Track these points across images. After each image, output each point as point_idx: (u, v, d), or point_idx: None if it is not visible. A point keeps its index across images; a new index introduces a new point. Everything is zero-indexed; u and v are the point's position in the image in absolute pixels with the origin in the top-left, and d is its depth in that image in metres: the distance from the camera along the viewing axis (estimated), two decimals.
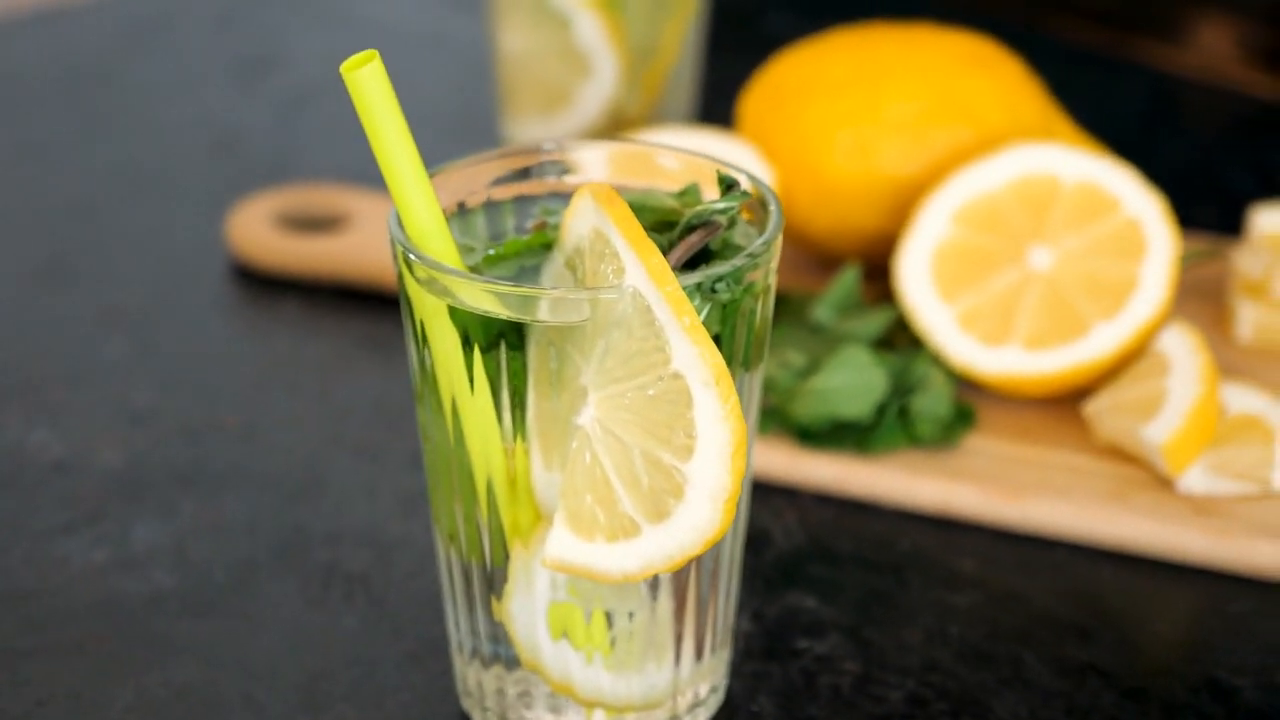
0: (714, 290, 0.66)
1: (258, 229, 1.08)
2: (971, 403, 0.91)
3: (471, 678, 0.74)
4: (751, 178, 0.71)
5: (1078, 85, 1.25)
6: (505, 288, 0.65)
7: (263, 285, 1.07)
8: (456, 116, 1.29)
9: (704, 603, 0.72)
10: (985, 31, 1.05)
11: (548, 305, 0.65)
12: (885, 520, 0.87)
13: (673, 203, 0.71)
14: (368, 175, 1.19)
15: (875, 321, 0.92)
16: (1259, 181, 1.19)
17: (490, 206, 0.74)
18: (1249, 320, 0.96)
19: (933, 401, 0.88)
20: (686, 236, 0.68)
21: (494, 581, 0.71)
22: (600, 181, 0.67)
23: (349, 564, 0.84)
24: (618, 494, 0.65)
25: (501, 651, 0.72)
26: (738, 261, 0.66)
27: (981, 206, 0.93)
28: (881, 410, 0.88)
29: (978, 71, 0.99)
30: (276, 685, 0.77)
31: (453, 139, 1.26)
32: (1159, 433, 0.84)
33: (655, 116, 1.14)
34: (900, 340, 0.94)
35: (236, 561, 0.84)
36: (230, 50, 1.39)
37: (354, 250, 1.06)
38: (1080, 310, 0.90)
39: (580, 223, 0.68)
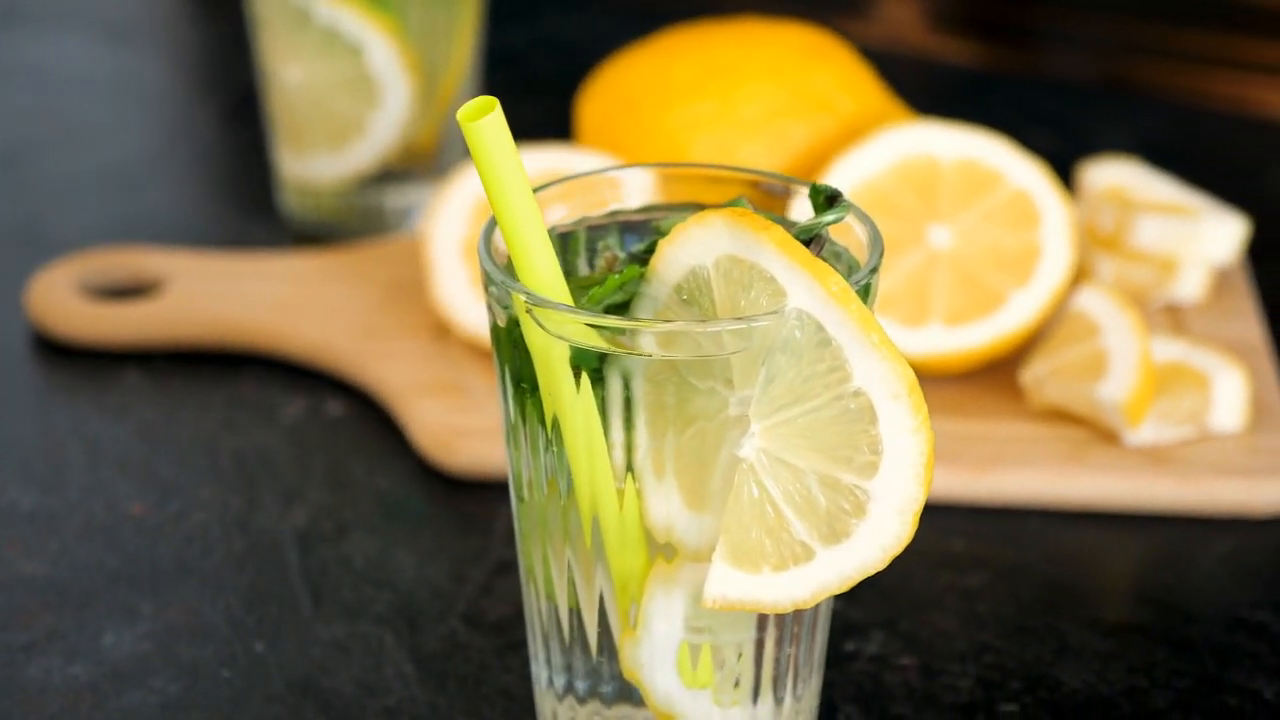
0: None
1: (68, 303, 1.01)
2: None
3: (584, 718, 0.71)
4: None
5: None
6: (662, 325, 0.63)
7: (87, 361, 0.99)
8: (199, 156, 1.23)
9: (819, 620, 0.71)
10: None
11: (715, 340, 0.62)
12: None
13: None
14: (134, 233, 1.12)
15: None
16: None
17: None
18: (1109, 273, 1.00)
19: None
20: None
21: (615, 625, 0.68)
22: (733, 207, 0.65)
23: (369, 637, 0.79)
24: (789, 521, 0.64)
25: (632, 690, 0.69)
26: (863, 276, 0.65)
27: (868, 193, 0.94)
28: None
29: (821, 62, 1.00)
30: None
31: (195, 182, 1.21)
32: (1116, 390, 0.87)
33: (444, 138, 1.11)
34: None
35: (238, 656, 0.78)
36: None
37: (187, 311, 1.00)
38: (991, 282, 0.92)
39: (693, 251, 0.65)
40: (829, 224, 0.67)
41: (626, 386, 0.65)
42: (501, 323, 0.66)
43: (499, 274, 0.65)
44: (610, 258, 0.70)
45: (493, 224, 0.68)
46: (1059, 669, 0.78)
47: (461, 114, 0.62)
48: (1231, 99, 1.31)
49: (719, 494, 0.65)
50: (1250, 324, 0.98)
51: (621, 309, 0.68)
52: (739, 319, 0.62)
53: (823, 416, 0.63)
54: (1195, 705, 0.76)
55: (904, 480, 0.63)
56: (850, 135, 0.98)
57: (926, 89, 1.25)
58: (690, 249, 0.66)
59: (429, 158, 1.11)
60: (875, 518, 0.63)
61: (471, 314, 0.96)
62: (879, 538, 0.64)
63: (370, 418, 0.95)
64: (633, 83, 1.00)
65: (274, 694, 0.76)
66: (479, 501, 0.88)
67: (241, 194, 1.17)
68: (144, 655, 0.79)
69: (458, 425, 0.91)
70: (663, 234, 0.69)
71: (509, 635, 0.80)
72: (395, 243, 1.06)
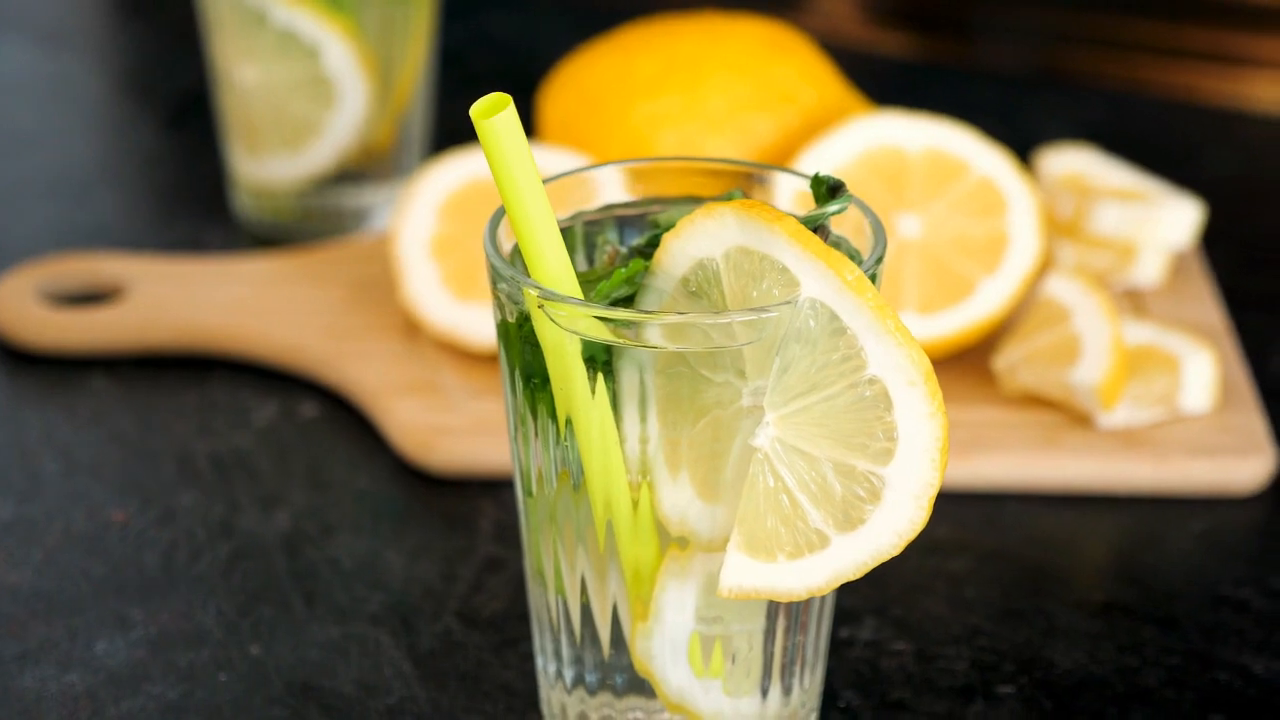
0: None
1: (30, 311, 1.00)
2: None
3: (594, 712, 0.71)
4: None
5: None
6: (676, 318, 0.63)
7: (52, 368, 0.99)
8: (146, 161, 1.22)
9: (825, 608, 0.72)
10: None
11: (726, 331, 0.63)
12: None
13: None
14: (86, 240, 1.11)
15: None
16: None
17: None
18: (1069, 259, 1.01)
19: None
20: None
21: (627, 618, 0.69)
22: (744, 200, 0.65)
23: (366, 637, 0.79)
24: (804, 509, 0.64)
25: (644, 682, 0.70)
26: (870, 266, 0.66)
27: None
28: None
29: (782, 55, 1.01)
30: None
31: (144, 187, 1.20)
32: (1091, 374, 0.88)
33: (401, 138, 1.11)
34: None
35: (234, 659, 0.78)
36: None
37: (152, 316, 0.99)
38: (961, 270, 0.93)
39: (701, 244, 0.66)
40: (833, 214, 0.68)
41: (639, 379, 0.65)
42: (511, 318, 0.67)
43: (509, 269, 0.66)
44: (612, 252, 0.70)
45: (496, 221, 0.68)
46: (1050, 650, 0.79)
47: (475, 111, 0.62)
48: (1163, 85, 1.33)
49: (732, 484, 0.66)
50: (1209, 306, 1.00)
51: (627, 303, 0.68)
52: (753, 310, 0.63)
53: (837, 404, 0.63)
54: (1187, 682, 0.77)
55: (920, 466, 0.64)
56: (814, 127, 0.99)
57: (865, 82, 1.25)
58: (698, 242, 0.66)
59: (386, 158, 1.11)
60: (890, 504, 0.64)
61: (441, 312, 0.96)
62: (894, 523, 0.64)
63: (344, 419, 0.94)
64: (595, 79, 1.01)
65: (274, 696, 0.76)
66: (461, 499, 0.88)
67: (193, 198, 1.17)
68: (139, 661, 0.78)
69: (435, 424, 0.91)
70: (661, 227, 0.69)
71: (505, 631, 0.80)
72: (356, 243, 1.06)
